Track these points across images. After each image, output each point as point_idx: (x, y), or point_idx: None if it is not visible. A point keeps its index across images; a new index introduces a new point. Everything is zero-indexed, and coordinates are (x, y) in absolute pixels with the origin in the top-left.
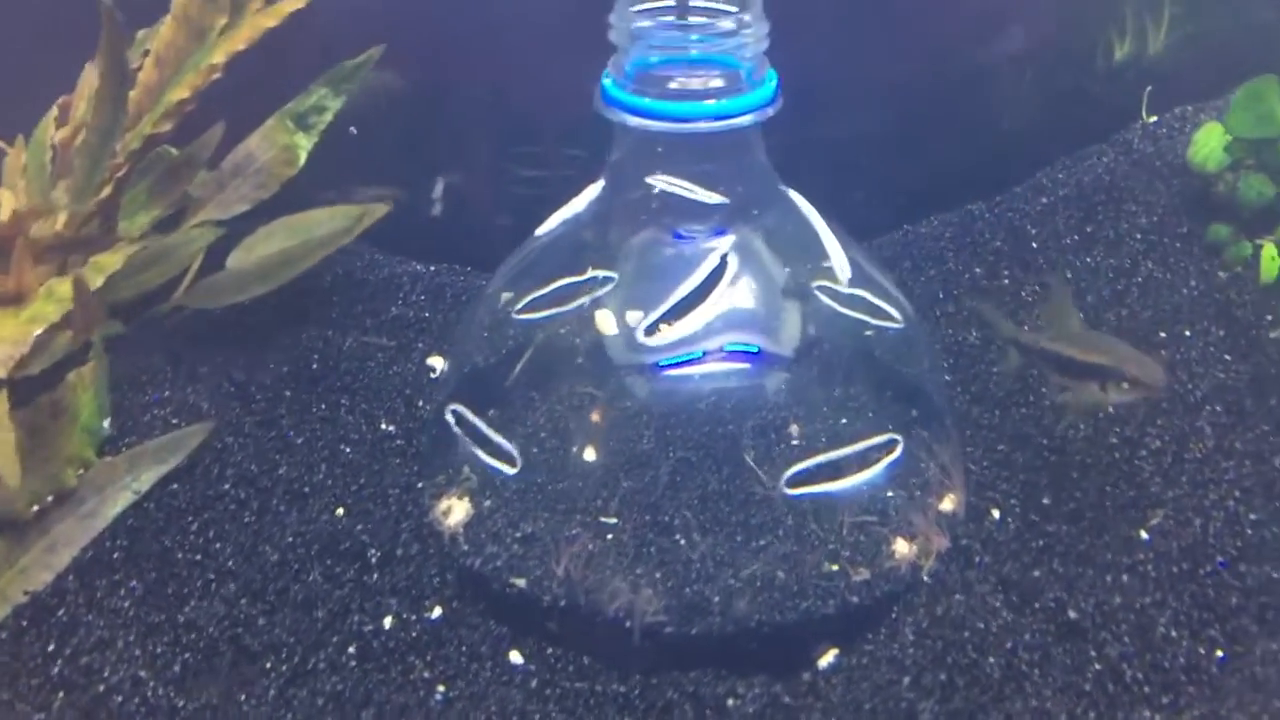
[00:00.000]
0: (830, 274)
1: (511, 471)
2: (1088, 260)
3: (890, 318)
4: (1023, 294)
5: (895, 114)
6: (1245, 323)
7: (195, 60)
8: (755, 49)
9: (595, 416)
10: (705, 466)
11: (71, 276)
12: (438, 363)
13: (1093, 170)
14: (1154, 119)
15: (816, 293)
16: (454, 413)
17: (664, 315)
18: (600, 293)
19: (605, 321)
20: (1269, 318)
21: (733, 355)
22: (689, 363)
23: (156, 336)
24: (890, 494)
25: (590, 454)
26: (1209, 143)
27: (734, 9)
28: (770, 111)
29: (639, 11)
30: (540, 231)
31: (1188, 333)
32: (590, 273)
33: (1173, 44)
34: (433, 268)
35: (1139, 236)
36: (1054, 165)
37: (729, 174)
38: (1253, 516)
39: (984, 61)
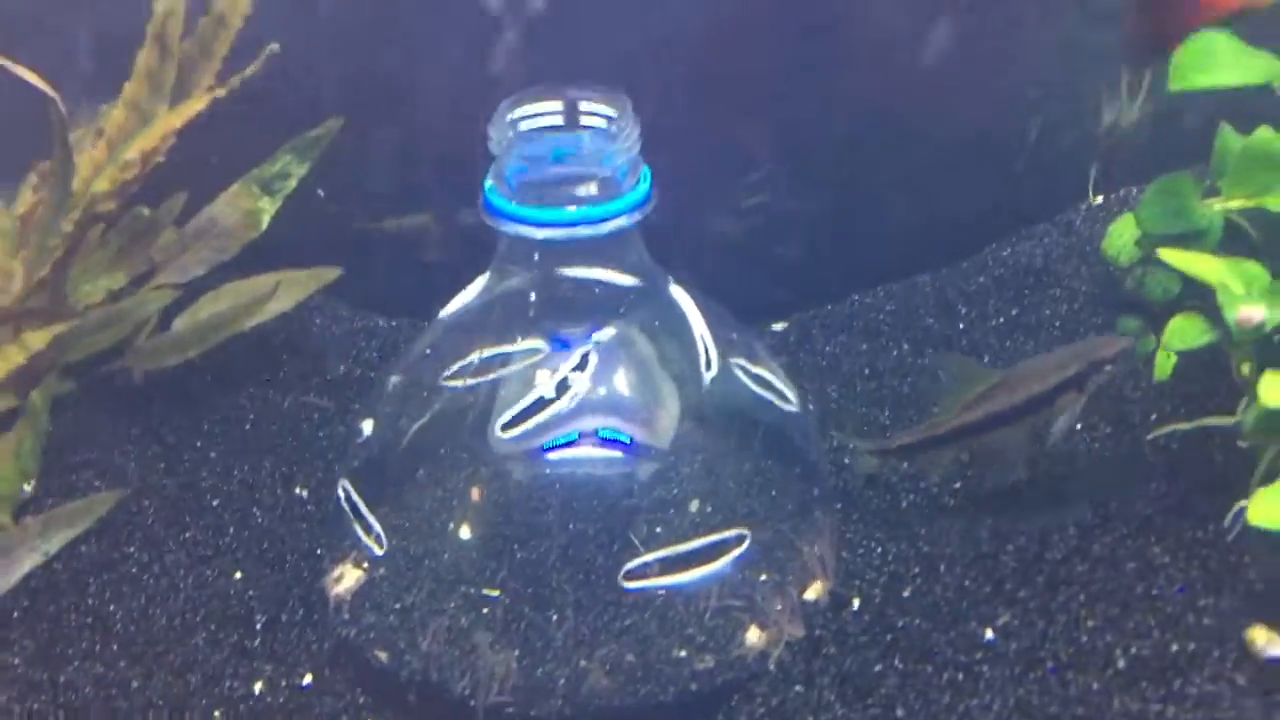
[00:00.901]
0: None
1: (379, 552)
2: (1007, 344)
3: (773, 406)
4: (939, 375)
5: (849, 183)
6: (1131, 421)
7: (141, 137)
8: (629, 155)
9: (474, 495)
10: (576, 548)
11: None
12: (369, 425)
13: (1031, 251)
14: (1099, 199)
15: (703, 379)
16: (343, 487)
17: (518, 415)
18: (527, 363)
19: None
20: (1154, 417)
21: (607, 442)
22: (567, 445)
23: (104, 396)
24: (763, 578)
25: (465, 531)
26: (1122, 235)
27: (610, 114)
28: (644, 212)
29: (518, 119)
30: (442, 314)
31: (1079, 427)
32: (519, 343)
33: (1141, 119)
34: (394, 322)
35: (1057, 324)
36: (1001, 241)
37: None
38: (1090, 624)
39: (941, 131)
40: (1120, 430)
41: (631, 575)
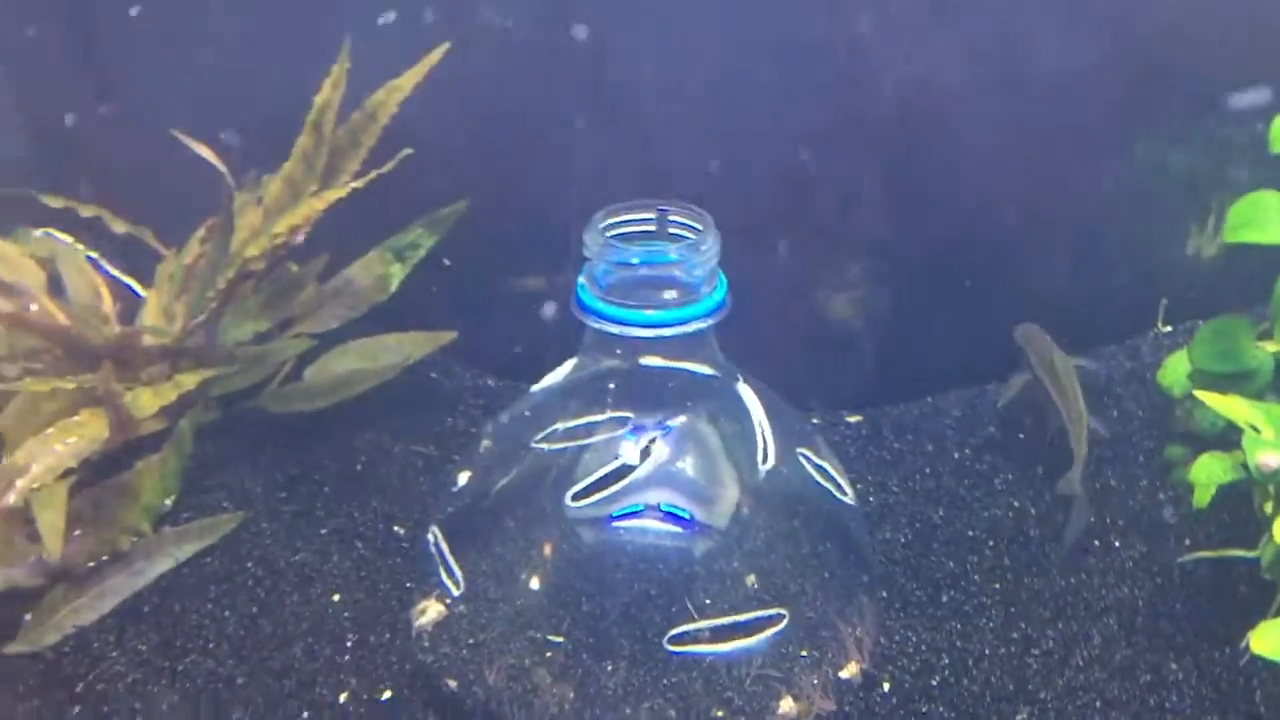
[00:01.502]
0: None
1: (456, 593)
2: (1058, 461)
3: (830, 495)
4: (994, 481)
5: (933, 291)
6: (1164, 543)
7: (290, 213)
8: (707, 267)
9: (546, 550)
10: (633, 608)
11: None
12: (464, 476)
13: (1095, 371)
14: (1168, 328)
15: (763, 471)
16: (433, 532)
17: (588, 487)
18: (607, 435)
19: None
20: (1187, 542)
21: (669, 517)
22: (633, 515)
23: (241, 429)
24: (804, 653)
25: (536, 582)
26: (1177, 369)
27: (696, 227)
28: (717, 317)
29: (610, 225)
30: (534, 388)
31: (1117, 543)
32: (609, 414)
33: (1219, 253)
34: (502, 382)
35: (1110, 445)
36: (1072, 357)
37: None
38: None
39: (1023, 243)
40: (1155, 552)
41: (676, 640)
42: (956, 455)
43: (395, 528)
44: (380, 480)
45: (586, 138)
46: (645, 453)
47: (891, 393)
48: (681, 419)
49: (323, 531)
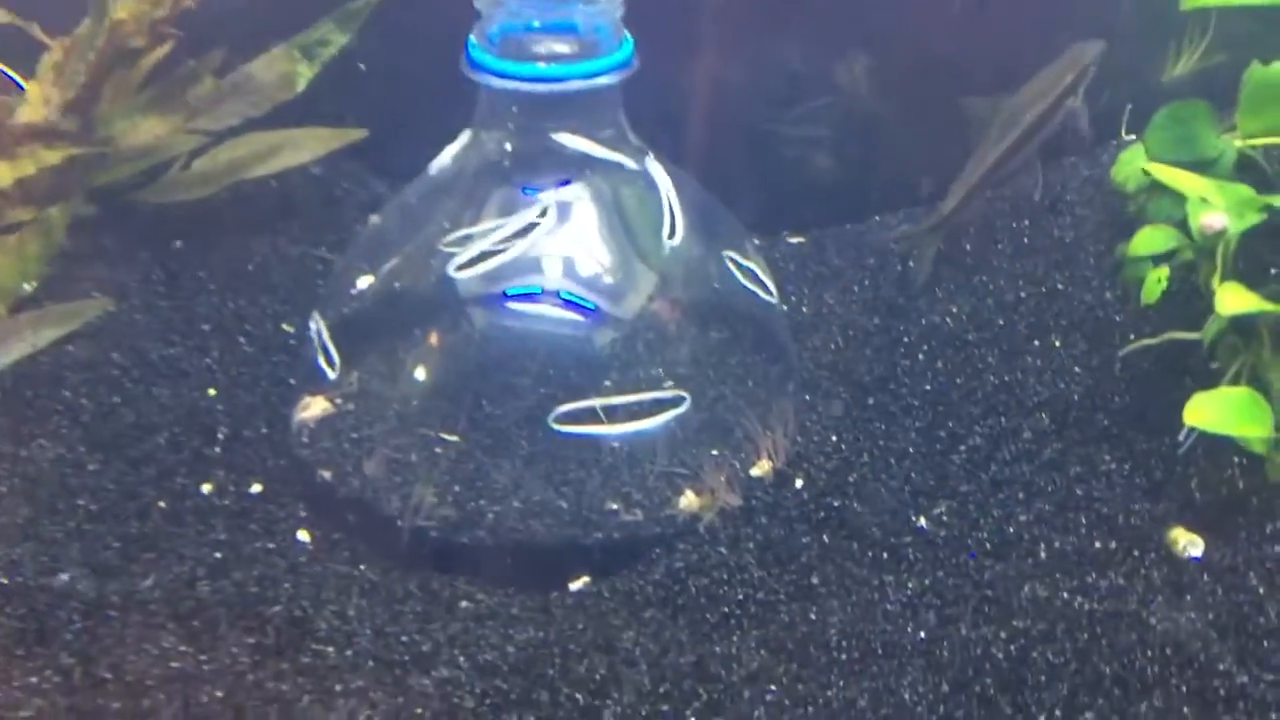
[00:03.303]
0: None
1: (332, 376)
2: (1005, 267)
3: (750, 294)
4: (936, 290)
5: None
6: (1108, 339)
7: None
8: (610, 18)
9: (434, 339)
10: (523, 395)
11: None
12: (365, 281)
13: (1053, 182)
14: (1131, 136)
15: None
16: (314, 319)
17: (475, 257)
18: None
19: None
20: (1131, 337)
21: (570, 305)
22: (529, 297)
23: (122, 223)
24: (714, 452)
25: (421, 372)
26: (1131, 162)
27: None
28: (621, 75)
29: None
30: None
31: (1057, 343)
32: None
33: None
34: None
35: (1060, 249)
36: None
37: (584, 134)
38: (1022, 518)
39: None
40: (1097, 347)
41: (564, 419)
42: (899, 268)
43: (284, 326)
44: (272, 280)
45: None
46: (542, 216)
47: (839, 215)
48: (579, 188)
49: (204, 327)
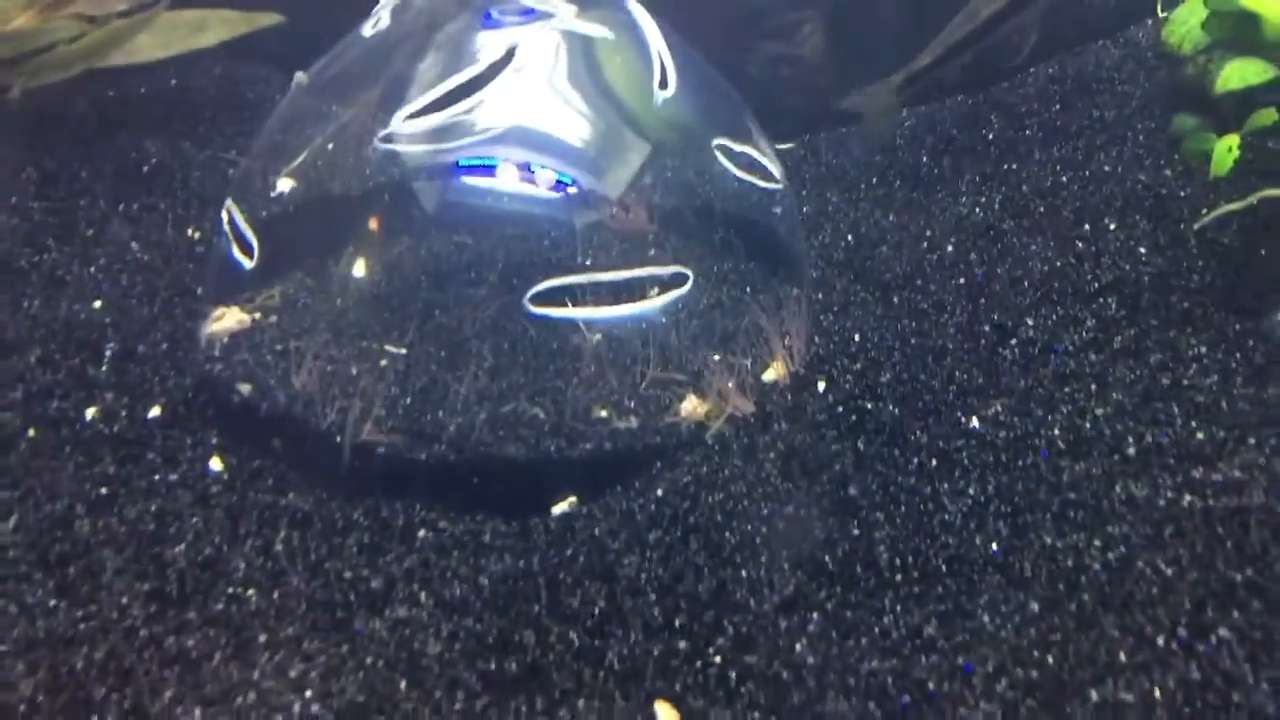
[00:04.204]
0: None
1: (249, 265)
2: (1036, 153)
3: (765, 177)
4: (958, 183)
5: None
6: (1175, 217)
7: None
8: None
9: (373, 224)
10: (496, 292)
11: None
12: (287, 184)
13: (1081, 64)
14: (1165, 14)
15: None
16: (226, 208)
17: (431, 105)
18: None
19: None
20: (1204, 212)
21: (559, 186)
22: (485, 169)
23: None
24: (718, 357)
25: (361, 269)
26: (1187, 20)
27: None
28: None
29: None
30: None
31: (1113, 225)
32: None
33: None
34: None
35: (1100, 129)
36: (1051, 59)
37: None
38: (1099, 412)
39: None
40: (1163, 225)
41: (542, 300)
42: (912, 161)
43: (189, 231)
44: (173, 184)
45: None
46: (509, 56)
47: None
48: (552, 25)
49: (87, 232)
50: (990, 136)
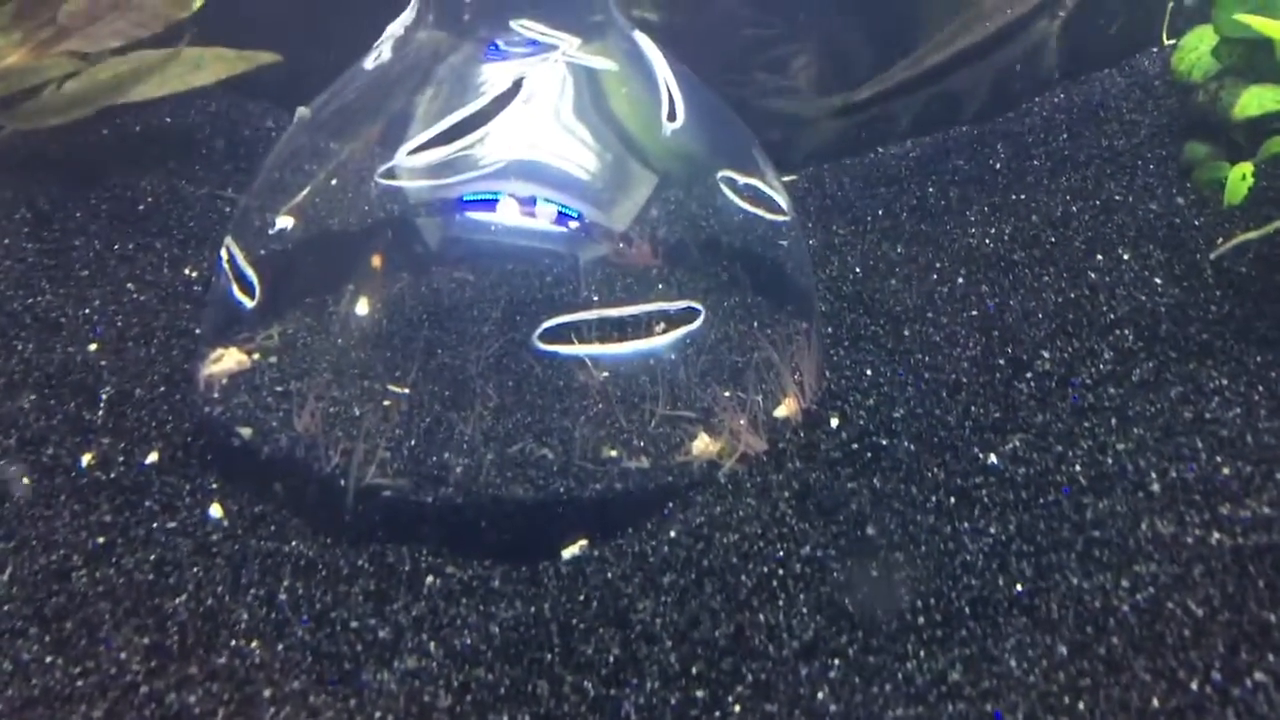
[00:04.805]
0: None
1: (249, 305)
2: (1046, 183)
3: (772, 208)
4: (966, 214)
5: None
6: (1190, 247)
7: None
8: None
9: (375, 262)
10: (500, 329)
11: None
12: (287, 221)
13: (1088, 92)
14: (1172, 42)
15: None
16: (226, 246)
17: (435, 138)
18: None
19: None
20: (1220, 241)
21: (562, 218)
22: (488, 204)
23: None
24: (728, 394)
25: (363, 307)
26: (1197, 47)
27: None
28: None
29: None
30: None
31: (1126, 255)
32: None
33: None
34: None
35: (1110, 158)
36: (1055, 89)
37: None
38: (1120, 447)
39: None
40: (1178, 255)
41: (551, 338)
42: (919, 193)
43: (186, 270)
44: (169, 223)
45: None
46: (515, 88)
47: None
48: (556, 59)
49: (82, 273)
50: (997, 166)
